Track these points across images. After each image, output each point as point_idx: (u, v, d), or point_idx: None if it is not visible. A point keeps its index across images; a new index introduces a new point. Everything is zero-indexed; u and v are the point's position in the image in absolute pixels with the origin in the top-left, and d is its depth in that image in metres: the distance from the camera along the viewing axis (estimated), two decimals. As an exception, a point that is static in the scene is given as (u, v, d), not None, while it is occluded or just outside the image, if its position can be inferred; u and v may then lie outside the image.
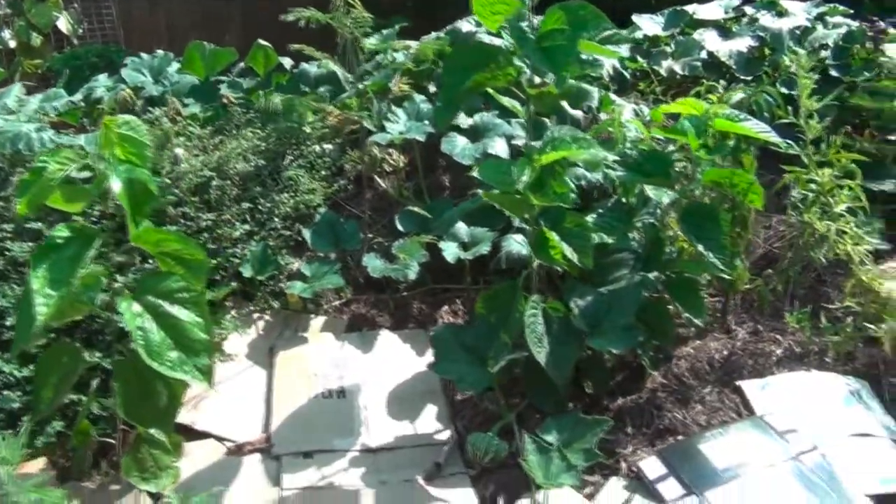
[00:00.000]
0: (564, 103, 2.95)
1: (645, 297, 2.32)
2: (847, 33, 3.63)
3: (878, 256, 3.24)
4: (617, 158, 2.28)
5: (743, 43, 3.61)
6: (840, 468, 2.07)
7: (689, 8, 3.95)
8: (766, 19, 3.70)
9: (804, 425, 2.21)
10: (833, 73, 3.53)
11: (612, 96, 3.12)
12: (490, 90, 2.23)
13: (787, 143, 2.13)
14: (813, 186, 2.48)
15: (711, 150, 2.14)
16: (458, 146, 2.85)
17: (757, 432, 2.21)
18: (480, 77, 2.08)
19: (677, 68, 3.60)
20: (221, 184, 2.86)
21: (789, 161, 2.62)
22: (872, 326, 2.43)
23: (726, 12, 3.92)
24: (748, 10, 3.92)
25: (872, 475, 2.07)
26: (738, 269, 2.64)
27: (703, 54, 3.65)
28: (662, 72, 3.63)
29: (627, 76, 3.63)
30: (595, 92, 3.01)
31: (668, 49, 3.71)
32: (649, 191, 2.35)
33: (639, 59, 3.70)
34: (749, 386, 2.38)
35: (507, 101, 2.28)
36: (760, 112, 2.44)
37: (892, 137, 3.45)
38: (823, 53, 3.62)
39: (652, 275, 2.29)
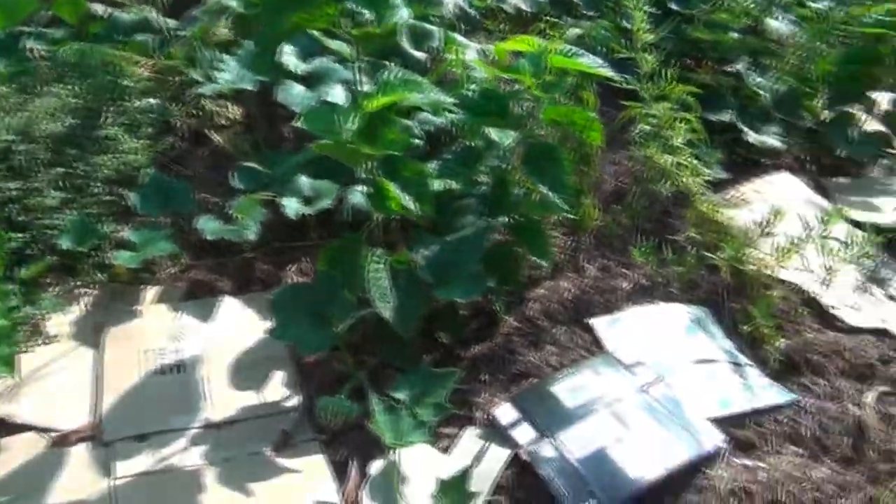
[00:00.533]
0: (406, 44, 2.81)
1: (492, 243, 2.27)
2: (684, -34, 3.66)
3: (719, 186, 3.36)
4: (454, 101, 2.19)
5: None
6: (683, 395, 2.13)
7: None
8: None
9: (650, 357, 2.25)
10: (673, 5, 3.57)
11: (457, 36, 3.01)
12: (314, 32, 2.07)
13: (623, 78, 2.09)
14: (652, 121, 2.49)
15: (549, 87, 2.08)
16: (294, 95, 2.67)
17: (607, 368, 2.23)
18: (299, 17, 1.91)
19: (523, 5, 3.53)
20: (29, 148, 2.56)
21: (631, 97, 2.62)
22: (712, 255, 2.49)
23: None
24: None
25: (713, 400, 2.13)
26: (585, 207, 2.65)
27: (547, -11, 3.60)
28: (509, 9, 3.55)
29: (475, 15, 3.53)
30: (437, 32, 2.89)
31: (510, -13, 3.63)
32: (493, 133, 2.28)
33: (487, -2, 3.61)
34: (599, 323, 2.40)
35: (335, 44, 2.14)
36: (597, 47, 2.40)
37: (729, 69, 3.55)
38: (664, -13, 3.65)
39: (499, 219, 2.24)
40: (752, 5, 3.32)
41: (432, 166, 2.22)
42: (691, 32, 3.45)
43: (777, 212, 2.54)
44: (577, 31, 2.20)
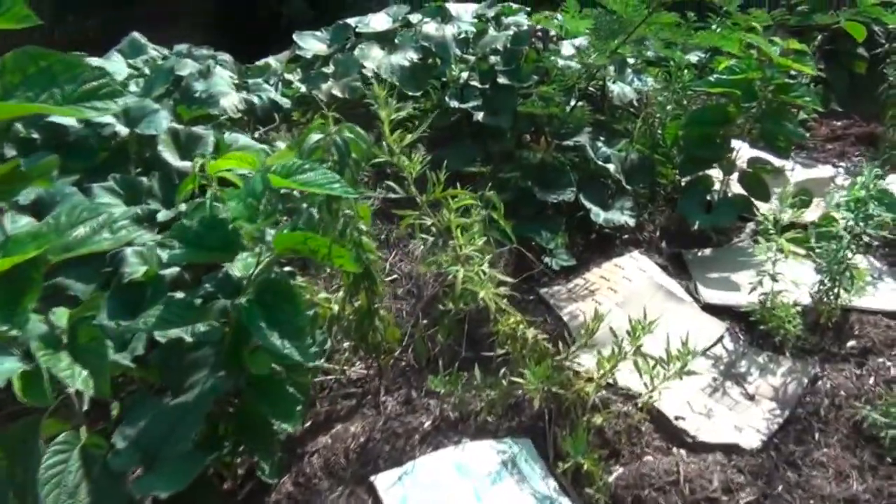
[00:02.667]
0: (167, 155, 2.42)
1: (235, 402, 1.85)
2: (514, 35, 3.39)
3: (565, 274, 3.02)
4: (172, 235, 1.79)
5: (405, 56, 3.26)
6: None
7: (361, 20, 3.57)
8: (430, 27, 3.38)
9: (438, 526, 1.84)
10: (502, 79, 3.27)
11: (240, 137, 2.64)
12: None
13: (348, 192, 1.72)
14: (433, 230, 2.13)
15: (264, 214, 1.70)
16: None
17: (385, 544, 1.81)
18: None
19: (337, 91, 3.19)
20: None
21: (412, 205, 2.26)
22: (520, 380, 2.12)
23: (395, 22, 3.57)
24: (415, 17, 3.59)
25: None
26: (386, 328, 2.26)
27: (367, 72, 3.27)
28: (322, 96, 3.20)
29: (286, 104, 3.18)
30: (210, 136, 2.51)
31: (327, 70, 3.30)
32: (231, 268, 1.88)
33: (295, 83, 3.26)
34: (383, 480, 1.98)
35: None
36: (340, 154, 2.03)
37: (569, 143, 3.25)
38: (494, 59, 3.36)
39: (233, 374, 1.82)
40: (586, 73, 3.02)
41: (151, 313, 1.80)
42: (522, 108, 3.14)
43: (598, 315, 2.18)
44: (316, 135, 1.84)
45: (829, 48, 4.53)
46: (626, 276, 2.94)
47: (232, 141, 2.57)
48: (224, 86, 2.72)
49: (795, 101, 3.17)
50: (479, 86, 3.26)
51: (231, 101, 2.69)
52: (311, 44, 3.45)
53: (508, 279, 2.17)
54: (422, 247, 2.16)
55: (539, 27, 3.35)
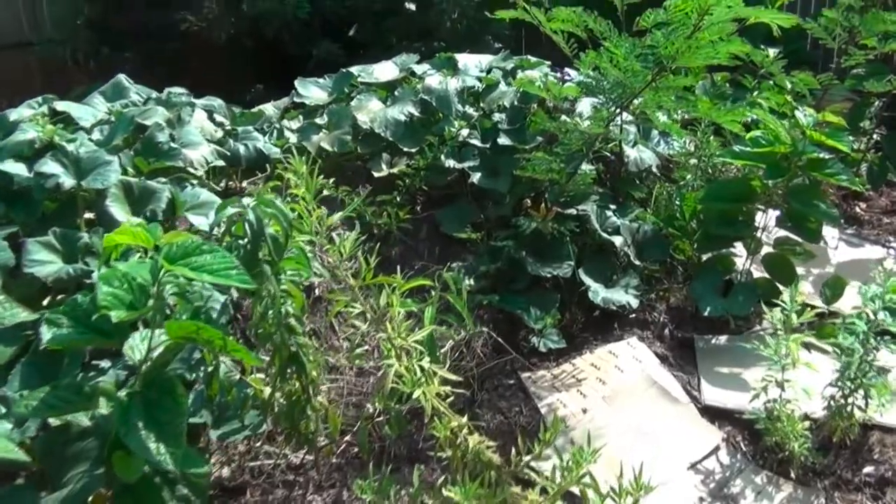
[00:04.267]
0: (114, 210, 2.28)
1: (116, 501, 1.65)
2: (523, 91, 3.16)
3: (552, 357, 2.75)
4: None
5: (402, 109, 3.07)
6: None
7: (365, 68, 3.40)
8: (433, 79, 3.18)
9: None
10: (503, 139, 3.03)
11: (201, 192, 2.48)
12: None
13: (244, 281, 1.51)
14: (367, 316, 1.90)
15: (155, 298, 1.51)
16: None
17: None
18: None
19: (326, 144, 3.02)
20: None
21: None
22: (452, 495, 1.85)
23: (401, 71, 3.39)
24: (422, 68, 3.40)
25: None
26: (330, 417, 2.05)
27: (363, 124, 3.09)
28: (311, 149, 3.04)
29: (274, 155, 3.03)
30: (164, 191, 2.37)
31: (320, 121, 3.13)
32: (133, 349, 1.70)
33: (287, 134, 3.11)
34: None
35: None
36: (254, 233, 1.82)
37: (571, 211, 2.98)
38: (498, 116, 3.14)
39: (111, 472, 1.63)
40: (590, 136, 2.76)
41: (36, 395, 1.63)
42: (520, 171, 2.90)
43: (556, 422, 1.89)
44: (231, 210, 1.65)
45: (888, 114, 4.13)
46: (618, 366, 2.64)
47: (191, 196, 2.41)
48: (196, 135, 2.58)
49: (829, 180, 2.83)
50: (480, 144, 3.04)
51: (201, 152, 2.54)
52: (313, 91, 3.29)
53: (451, 377, 1.91)
54: (352, 338, 1.92)
55: (558, 80, 3.11)
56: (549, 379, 2.63)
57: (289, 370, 1.92)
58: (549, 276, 2.80)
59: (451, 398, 1.95)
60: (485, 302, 2.69)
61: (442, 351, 2.41)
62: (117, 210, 2.28)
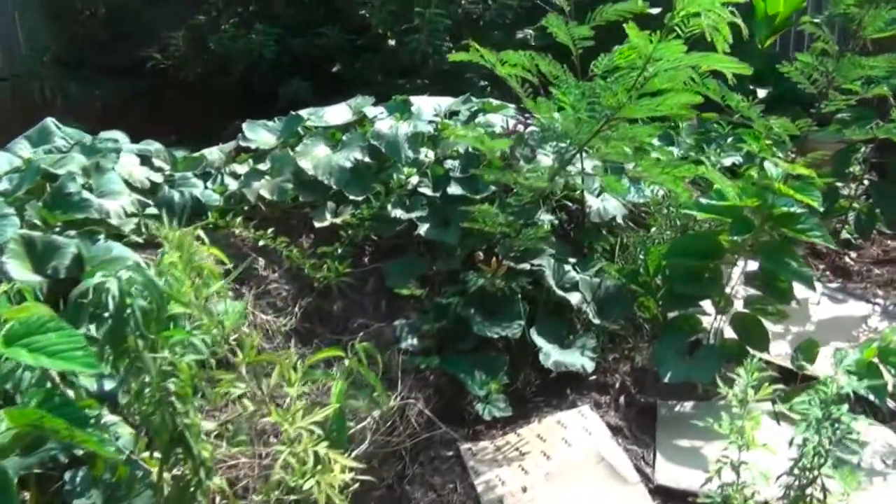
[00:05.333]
0: (11, 265, 2.11)
1: None
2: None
3: (497, 426, 2.55)
4: None
5: (349, 155, 2.91)
6: None
7: (316, 111, 3.24)
8: (384, 123, 3.02)
9: None
10: (454, 188, 2.85)
11: (115, 247, 2.31)
12: None
13: (89, 365, 1.33)
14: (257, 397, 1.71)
15: None
16: None
17: None
18: None
19: (265, 192, 2.85)
20: None
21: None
22: None
23: (355, 115, 3.23)
24: (376, 111, 3.23)
25: None
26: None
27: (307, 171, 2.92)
28: (251, 197, 2.87)
29: (214, 203, 2.87)
30: (70, 246, 2.20)
31: (262, 167, 2.97)
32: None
33: (228, 181, 2.95)
34: None
35: None
36: (116, 308, 1.64)
37: (525, 265, 2.79)
38: (451, 163, 2.96)
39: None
40: (547, 184, 2.57)
41: None
42: (469, 223, 2.72)
43: None
44: (96, 279, 1.47)
45: (877, 160, 3.93)
46: (566, 438, 2.43)
47: (101, 251, 2.24)
48: (117, 184, 2.42)
49: (800, 237, 2.63)
50: (430, 193, 2.86)
51: (120, 202, 2.38)
52: (261, 135, 3.13)
53: (354, 464, 1.71)
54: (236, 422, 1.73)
55: (518, 125, 2.93)
56: (492, 451, 2.42)
57: (172, 453, 1.73)
58: (496, 336, 2.60)
59: (356, 486, 1.76)
60: (422, 366, 2.49)
61: (364, 424, 2.21)
62: (15, 267, 2.11)
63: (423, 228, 2.78)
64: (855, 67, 2.97)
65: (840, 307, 3.42)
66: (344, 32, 4.74)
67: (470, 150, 2.96)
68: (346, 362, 1.91)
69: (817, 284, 3.52)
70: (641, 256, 2.95)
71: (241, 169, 3.08)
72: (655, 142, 4.55)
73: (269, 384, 1.65)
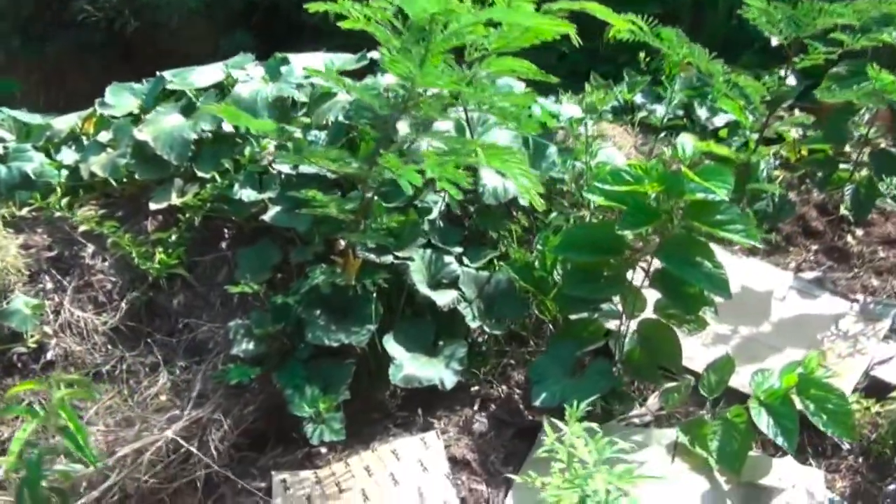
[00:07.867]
0: None
1: None
2: (356, 102, 2.53)
3: (344, 447, 2.16)
4: None
5: (198, 125, 2.51)
6: None
7: (181, 72, 2.82)
8: (246, 87, 2.60)
9: None
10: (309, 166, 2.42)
11: None
12: None
13: None
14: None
15: None
16: None
17: None
18: None
19: (97, 169, 2.49)
20: None
21: None
22: None
23: (228, 76, 2.80)
24: (255, 72, 2.78)
25: None
26: None
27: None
28: (84, 174, 2.52)
29: (51, 179, 2.53)
30: None
31: (102, 139, 2.60)
32: None
33: (66, 154, 2.60)
34: None
35: None
36: None
37: (387, 258, 2.34)
38: (316, 134, 2.53)
39: None
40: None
41: None
42: (309, 210, 2.28)
43: None
44: None
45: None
46: (395, 474, 2.02)
47: None
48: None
49: (716, 232, 2.09)
50: (288, 171, 2.45)
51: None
52: (124, 99, 2.76)
53: None
54: None
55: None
56: (310, 484, 2.04)
57: None
58: (336, 344, 2.19)
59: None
60: (232, 381, 2.12)
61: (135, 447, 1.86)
62: None
63: (271, 212, 2.38)
64: (820, 15, 2.35)
65: (810, 304, 2.84)
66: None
67: (340, 118, 2.51)
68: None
69: (787, 274, 2.95)
70: (538, 246, 2.46)
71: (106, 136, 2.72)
72: (639, 98, 4.00)
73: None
